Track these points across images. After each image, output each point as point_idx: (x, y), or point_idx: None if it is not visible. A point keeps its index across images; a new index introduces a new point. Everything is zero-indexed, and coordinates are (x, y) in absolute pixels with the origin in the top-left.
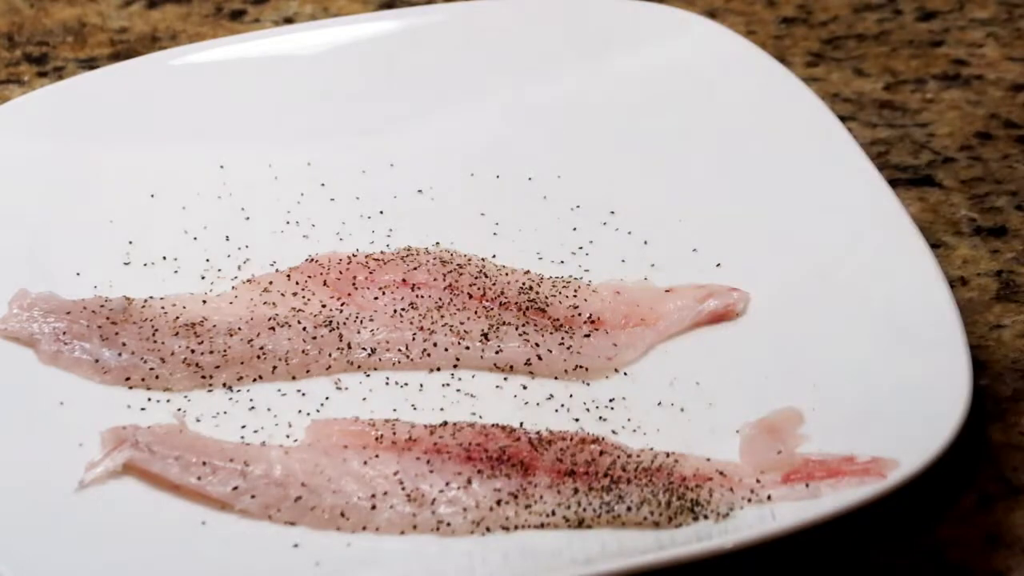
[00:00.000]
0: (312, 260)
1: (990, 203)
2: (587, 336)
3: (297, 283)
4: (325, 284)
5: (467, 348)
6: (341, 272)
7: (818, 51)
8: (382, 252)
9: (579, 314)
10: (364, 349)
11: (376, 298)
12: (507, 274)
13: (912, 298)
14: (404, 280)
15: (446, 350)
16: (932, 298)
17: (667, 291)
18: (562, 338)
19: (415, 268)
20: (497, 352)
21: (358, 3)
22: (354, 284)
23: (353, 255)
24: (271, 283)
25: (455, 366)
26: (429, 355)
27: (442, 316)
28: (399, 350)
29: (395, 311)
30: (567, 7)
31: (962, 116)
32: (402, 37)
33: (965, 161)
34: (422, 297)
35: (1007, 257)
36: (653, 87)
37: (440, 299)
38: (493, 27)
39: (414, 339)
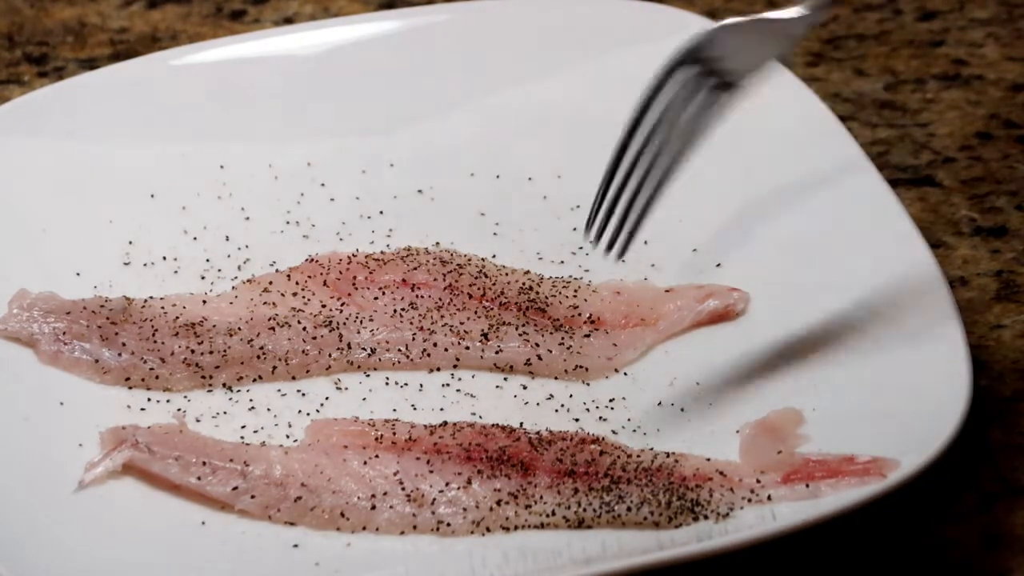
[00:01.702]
0: (312, 260)
1: (990, 203)
2: (587, 336)
3: (297, 283)
4: (325, 284)
5: (467, 348)
6: (341, 272)
7: (818, 51)
8: (382, 252)
9: (579, 314)
10: (364, 349)
11: (376, 298)
12: (507, 274)
13: (912, 298)
14: (404, 280)
15: (446, 350)
16: (932, 298)
17: (667, 291)
18: (562, 338)
19: (415, 268)
20: (497, 352)
21: (358, 3)
22: (354, 284)
23: (353, 255)
24: (271, 283)
25: (455, 366)
26: (429, 355)
27: (442, 316)
28: (399, 350)
29: (395, 311)
30: (567, 7)
31: (962, 116)
32: (402, 37)
33: (965, 161)
34: (422, 297)
35: (1007, 257)
36: None
37: (440, 299)
38: (493, 27)
39: (414, 339)
